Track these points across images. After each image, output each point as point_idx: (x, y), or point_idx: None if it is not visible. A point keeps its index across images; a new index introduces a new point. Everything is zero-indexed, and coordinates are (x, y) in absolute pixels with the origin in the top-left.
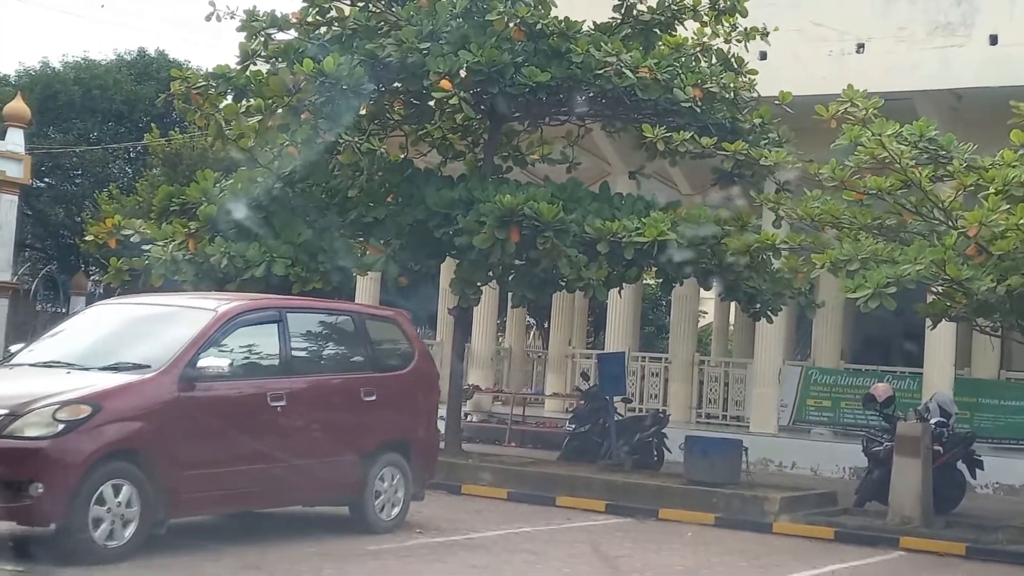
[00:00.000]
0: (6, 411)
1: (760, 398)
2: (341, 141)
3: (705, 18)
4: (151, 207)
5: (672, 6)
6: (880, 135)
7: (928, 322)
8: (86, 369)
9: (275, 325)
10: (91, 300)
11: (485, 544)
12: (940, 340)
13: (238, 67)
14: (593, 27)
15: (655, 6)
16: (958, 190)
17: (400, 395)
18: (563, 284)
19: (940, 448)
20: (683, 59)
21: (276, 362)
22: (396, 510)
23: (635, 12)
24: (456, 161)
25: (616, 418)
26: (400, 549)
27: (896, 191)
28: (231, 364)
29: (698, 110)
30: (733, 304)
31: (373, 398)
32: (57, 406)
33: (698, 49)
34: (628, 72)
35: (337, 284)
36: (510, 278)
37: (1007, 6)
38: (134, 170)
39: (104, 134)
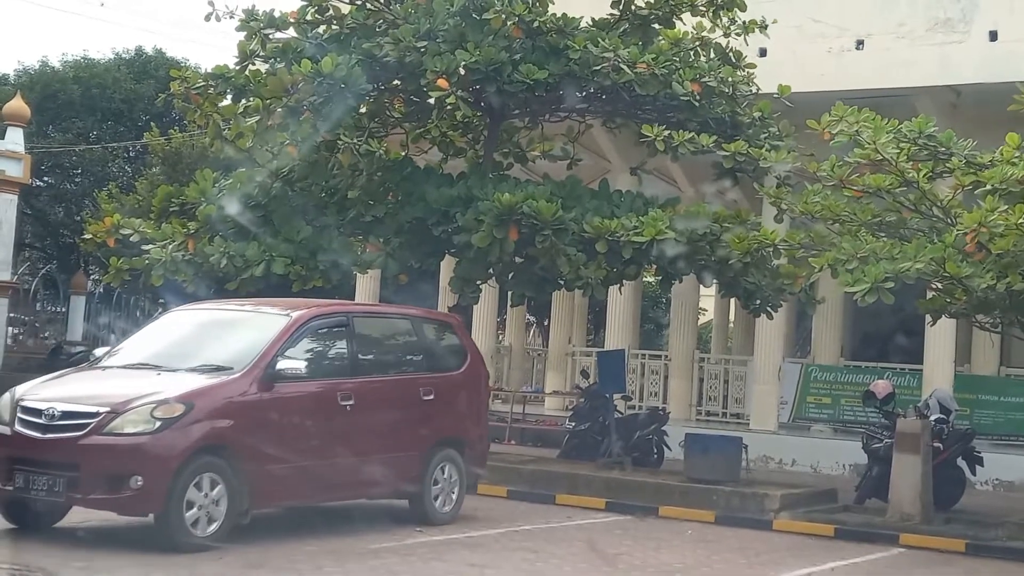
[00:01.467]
0: (107, 409)
1: (760, 395)
2: (341, 141)
3: (703, 11)
4: (151, 206)
5: (670, 1)
6: (875, 142)
7: (928, 318)
8: (173, 371)
9: (343, 329)
10: (91, 300)
11: (485, 542)
12: (940, 336)
13: (237, 67)
14: (591, 23)
15: (653, 1)
16: (956, 189)
17: (455, 394)
18: (562, 283)
19: (940, 445)
20: (681, 54)
21: (344, 363)
22: (452, 503)
23: (633, 7)
24: (457, 158)
25: (616, 416)
26: (400, 547)
27: (895, 189)
28: (306, 366)
29: (696, 104)
30: (733, 301)
31: (431, 397)
32: (154, 405)
33: (697, 44)
34: (626, 68)
35: (337, 283)
36: (510, 276)
37: (1006, 2)
38: (133, 169)
39: (103, 133)
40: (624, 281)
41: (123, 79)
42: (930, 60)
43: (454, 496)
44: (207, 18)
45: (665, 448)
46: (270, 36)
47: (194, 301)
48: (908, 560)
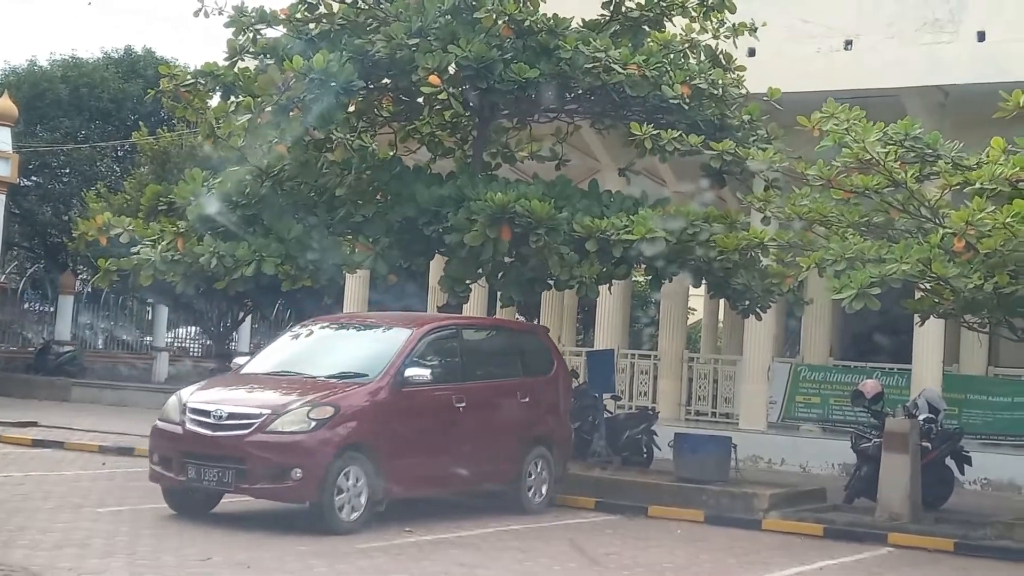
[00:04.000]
0: (269, 411)
1: (749, 395)
2: (332, 138)
3: (693, 14)
4: (139, 205)
5: (660, 2)
6: (863, 141)
7: (916, 319)
8: (315, 377)
9: (454, 340)
10: (79, 300)
11: (475, 542)
12: (928, 336)
13: (226, 64)
14: (582, 24)
15: (643, 3)
16: (944, 189)
17: (545, 396)
18: (551, 283)
19: (928, 444)
20: (671, 56)
21: (456, 370)
22: (542, 495)
23: (624, 9)
24: (445, 158)
25: (605, 415)
26: (390, 547)
27: (883, 189)
28: (428, 372)
29: (686, 107)
30: (722, 301)
31: (526, 400)
32: (309, 407)
33: (686, 46)
34: (617, 68)
35: (326, 283)
36: (500, 276)
37: (995, 2)
38: (122, 168)
39: (91, 132)
40: (614, 281)
41: (111, 78)
42: (919, 60)
43: (544, 489)
44: (196, 14)
45: (654, 448)
46: (260, 32)
47: (177, 299)
48: (897, 559)
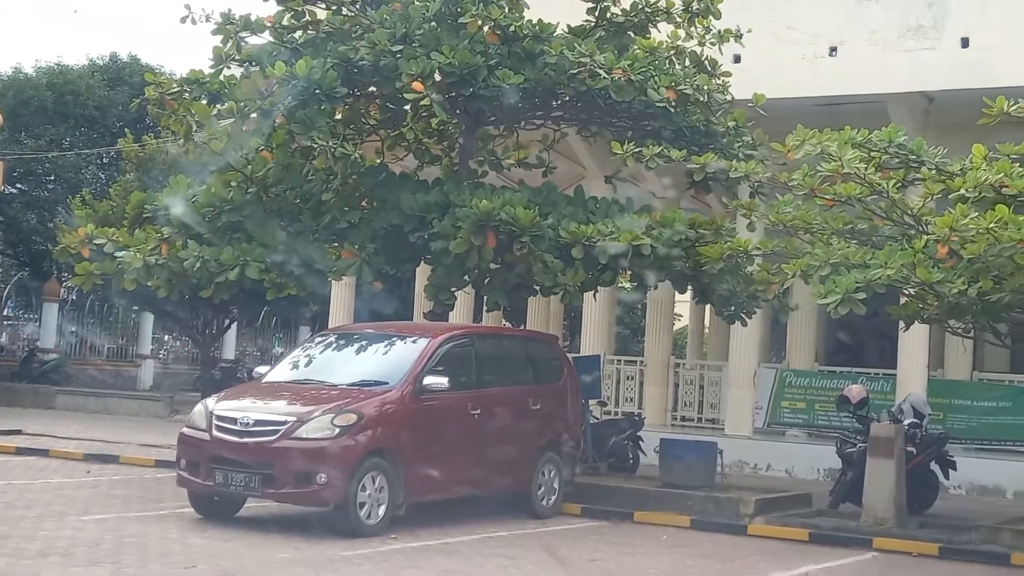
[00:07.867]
0: (294, 418)
1: (735, 400)
2: (316, 144)
3: (678, 19)
4: (124, 213)
5: (645, 8)
6: (840, 158)
7: (901, 324)
8: (337, 385)
9: (469, 348)
10: (63, 307)
11: (460, 549)
12: (913, 342)
13: (211, 71)
14: (567, 30)
15: (628, 8)
16: (926, 197)
17: (555, 404)
18: (538, 289)
19: (913, 449)
20: (656, 61)
21: (471, 378)
22: (553, 498)
23: (608, 15)
24: (432, 165)
25: (591, 421)
26: (375, 555)
27: (866, 197)
28: (446, 381)
29: (672, 111)
30: (708, 307)
31: (538, 407)
32: (333, 414)
33: (672, 52)
34: (602, 73)
35: (312, 289)
36: (486, 282)
37: (978, 9)
38: (107, 175)
39: (76, 139)
40: (600, 287)
41: (96, 86)
42: (903, 66)
43: (554, 494)
44: (183, 21)
45: (640, 453)
46: (245, 40)
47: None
48: (882, 564)
